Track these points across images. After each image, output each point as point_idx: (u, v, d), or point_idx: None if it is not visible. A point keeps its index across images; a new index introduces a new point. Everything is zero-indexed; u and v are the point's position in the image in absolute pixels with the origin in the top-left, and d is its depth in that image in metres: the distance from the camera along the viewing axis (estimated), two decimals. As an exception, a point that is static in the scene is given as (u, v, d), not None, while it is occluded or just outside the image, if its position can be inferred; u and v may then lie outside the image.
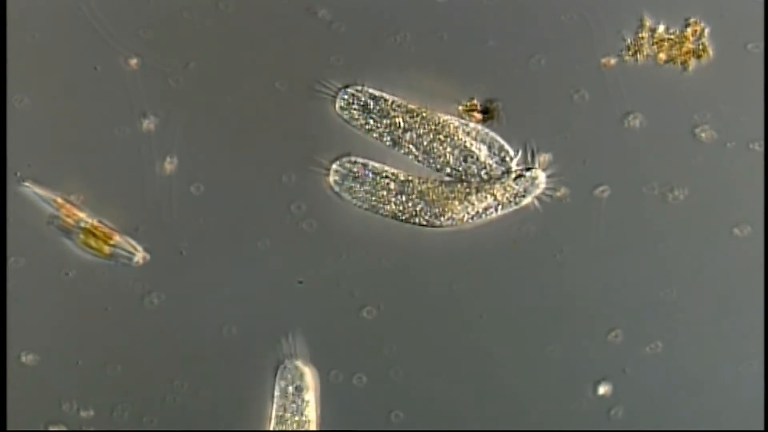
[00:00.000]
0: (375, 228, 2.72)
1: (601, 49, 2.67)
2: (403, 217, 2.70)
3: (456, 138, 2.68)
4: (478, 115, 2.68)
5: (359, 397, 2.80)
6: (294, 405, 2.73)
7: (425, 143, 2.69)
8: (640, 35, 2.66)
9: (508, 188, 2.69)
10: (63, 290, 2.74)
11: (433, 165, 2.70)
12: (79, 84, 2.70)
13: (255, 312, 2.76)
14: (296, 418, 2.73)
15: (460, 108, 2.68)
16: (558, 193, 2.69)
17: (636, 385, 2.79)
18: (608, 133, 2.70)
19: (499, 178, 2.69)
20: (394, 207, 2.70)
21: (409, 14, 2.68)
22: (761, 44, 2.66)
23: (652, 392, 2.79)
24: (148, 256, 2.72)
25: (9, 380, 2.74)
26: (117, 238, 2.70)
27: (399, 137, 2.69)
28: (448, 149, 2.69)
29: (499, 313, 2.78)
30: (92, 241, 2.69)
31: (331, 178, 2.70)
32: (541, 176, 2.68)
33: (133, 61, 2.68)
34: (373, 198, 2.71)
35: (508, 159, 2.69)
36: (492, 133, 2.68)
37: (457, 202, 2.70)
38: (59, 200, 2.70)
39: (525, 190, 2.69)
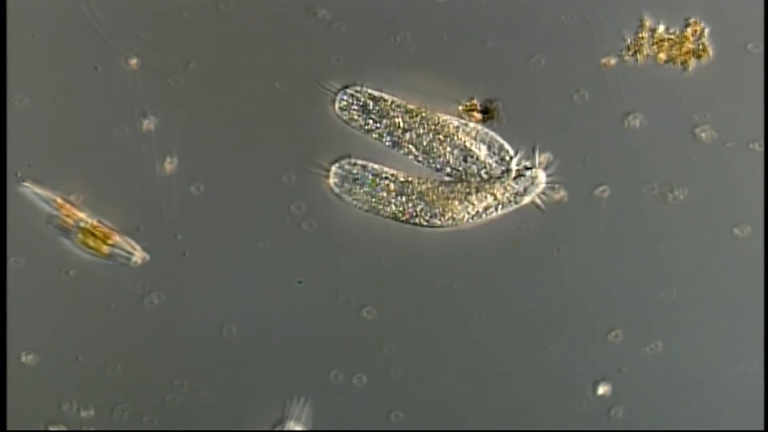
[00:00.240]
0: (375, 228, 2.72)
1: (601, 49, 2.67)
2: (403, 218, 2.70)
3: (456, 138, 2.68)
4: (478, 115, 2.68)
5: (359, 397, 2.80)
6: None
7: (425, 143, 2.69)
8: (640, 35, 2.66)
9: (508, 188, 2.69)
10: (63, 290, 2.74)
11: (433, 165, 2.70)
12: (79, 84, 2.70)
13: (255, 312, 2.76)
14: None
15: (460, 108, 2.68)
16: (556, 196, 2.69)
17: (636, 385, 2.79)
18: (608, 133, 2.70)
19: (499, 178, 2.69)
20: (394, 208, 2.70)
21: (409, 14, 2.68)
22: (761, 44, 2.66)
23: (652, 392, 2.79)
24: (147, 257, 2.72)
25: (9, 380, 2.74)
26: (116, 238, 2.70)
27: (399, 137, 2.69)
28: (448, 149, 2.69)
29: (499, 313, 2.78)
30: (91, 241, 2.69)
31: (331, 180, 2.70)
32: (541, 175, 2.68)
33: (133, 61, 2.68)
34: (373, 199, 2.71)
35: (507, 158, 2.69)
36: (492, 133, 2.68)
37: (457, 202, 2.70)
38: (59, 200, 2.70)
39: (525, 190, 2.69)
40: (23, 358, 2.76)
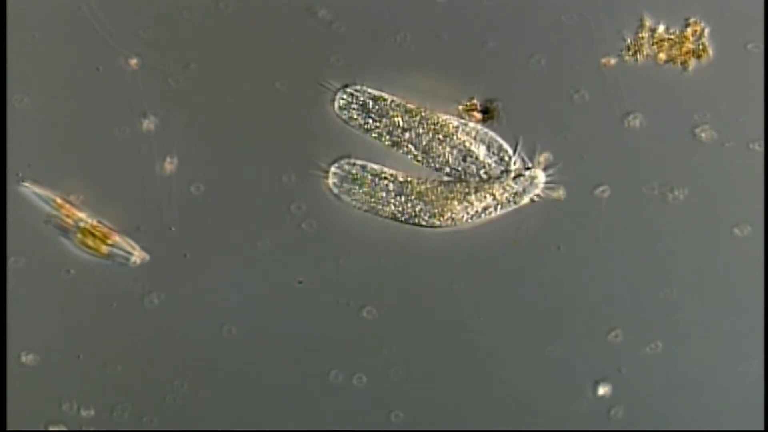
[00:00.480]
0: (375, 228, 2.72)
1: (601, 49, 2.67)
2: (403, 218, 2.70)
3: (455, 138, 2.68)
4: (478, 115, 2.68)
5: (359, 397, 2.80)
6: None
7: (424, 143, 2.69)
8: (640, 35, 2.66)
9: (507, 188, 2.69)
10: (63, 290, 2.74)
11: (432, 165, 2.70)
12: (79, 84, 2.70)
13: (255, 312, 2.76)
14: None
15: (460, 108, 2.68)
16: (554, 195, 2.69)
17: (636, 385, 2.79)
18: (608, 133, 2.70)
19: (498, 178, 2.69)
20: (393, 208, 2.70)
21: (409, 14, 2.68)
22: (761, 44, 2.65)
23: (652, 392, 2.79)
24: (147, 257, 2.72)
25: (9, 380, 2.74)
26: (116, 238, 2.70)
27: (398, 137, 2.69)
28: (447, 149, 2.69)
29: (499, 313, 2.78)
30: (90, 241, 2.69)
31: (330, 181, 2.70)
32: (541, 175, 2.68)
33: (133, 61, 2.68)
34: (372, 199, 2.71)
35: (507, 158, 2.69)
36: (491, 133, 2.68)
37: (456, 202, 2.70)
38: (59, 200, 2.70)
39: (524, 190, 2.69)
40: (23, 358, 2.76)
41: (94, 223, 2.70)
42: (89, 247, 2.70)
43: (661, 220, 2.73)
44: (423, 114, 2.69)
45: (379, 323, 2.77)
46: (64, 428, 2.79)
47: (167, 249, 2.73)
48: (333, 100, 2.69)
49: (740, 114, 2.70)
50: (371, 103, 2.68)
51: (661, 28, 2.66)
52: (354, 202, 2.71)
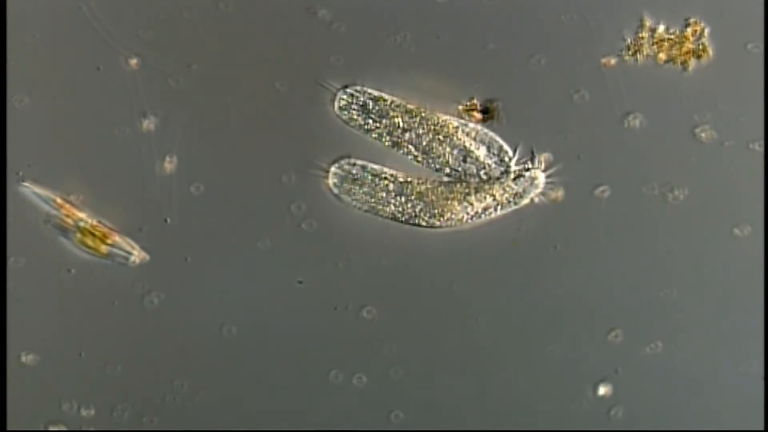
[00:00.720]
0: (375, 228, 2.72)
1: (601, 49, 2.67)
2: (403, 219, 2.70)
3: (455, 138, 2.68)
4: (478, 115, 2.68)
5: (359, 397, 2.80)
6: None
7: (424, 143, 2.69)
8: (640, 35, 2.66)
9: (508, 188, 2.69)
10: (63, 290, 2.74)
11: (433, 165, 2.70)
12: (79, 84, 2.70)
13: (255, 312, 2.76)
14: None
15: (460, 108, 2.68)
16: (553, 195, 2.69)
17: (636, 385, 2.79)
18: (608, 133, 2.70)
19: (498, 179, 2.69)
20: (393, 208, 2.70)
21: (409, 14, 2.68)
22: (761, 44, 2.65)
23: (652, 392, 2.79)
24: (147, 257, 2.72)
25: (9, 380, 2.74)
26: (116, 237, 2.70)
27: (398, 137, 2.69)
28: (448, 149, 2.69)
29: (498, 313, 2.78)
30: (89, 241, 2.69)
31: (330, 181, 2.70)
32: (541, 176, 2.68)
33: (133, 61, 2.68)
34: (373, 199, 2.71)
35: (507, 159, 2.69)
36: (491, 134, 2.68)
37: (456, 203, 2.70)
38: (59, 200, 2.70)
39: (524, 191, 2.69)
40: (23, 358, 2.76)
41: (94, 222, 2.70)
42: (89, 247, 2.70)
43: (661, 220, 2.73)
44: (423, 114, 2.69)
45: (379, 323, 2.77)
46: (64, 428, 2.79)
47: (167, 249, 2.73)
48: (333, 101, 2.69)
49: (740, 114, 2.70)
50: (371, 103, 2.68)
51: (661, 28, 2.66)
52: (354, 202, 2.71)
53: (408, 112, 2.69)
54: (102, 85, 2.69)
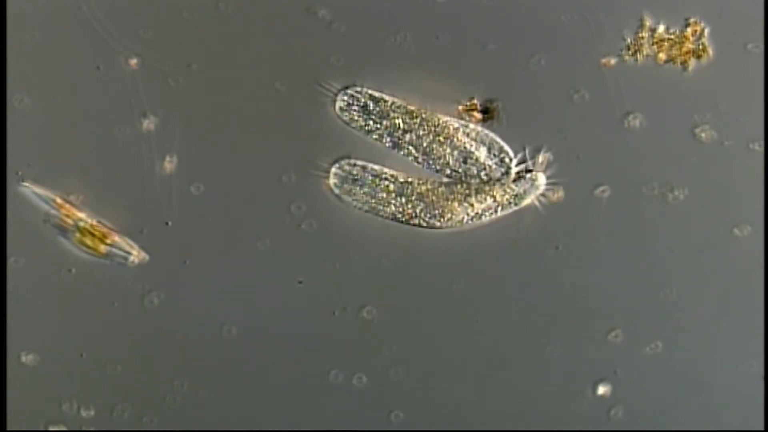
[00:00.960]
0: (375, 228, 2.72)
1: (601, 49, 2.67)
2: (403, 219, 2.70)
3: (456, 139, 2.68)
4: (478, 115, 2.68)
5: (359, 397, 2.80)
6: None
7: (425, 144, 2.69)
8: (640, 35, 2.66)
9: (508, 189, 2.69)
10: (63, 290, 2.74)
11: (433, 166, 2.70)
12: (80, 84, 2.70)
13: (255, 312, 2.76)
14: None
15: (460, 108, 2.68)
16: (554, 196, 2.69)
17: (636, 385, 2.79)
18: (608, 133, 2.70)
19: (498, 180, 2.69)
20: (393, 209, 2.70)
21: (409, 14, 2.68)
22: (761, 44, 2.65)
23: (652, 392, 2.79)
24: (146, 257, 2.72)
25: (9, 380, 2.74)
26: (115, 237, 2.70)
27: (399, 138, 2.69)
28: (448, 150, 2.69)
29: (499, 313, 2.78)
30: (88, 240, 2.69)
31: (331, 181, 2.70)
32: (541, 177, 2.68)
33: (133, 61, 2.68)
34: (373, 200, 2.71)
35: (507, 160, 2.69)
36: (492, 134, 2.68)
37: (456, 204, 2.70)
38: (59, 200, 2.70)
39: (525, 192, 2.69)
40: (23, 358, 2.76)
41: (93, 222, 2.70)
42: (88, 247, 2.70)
43: (661, 220, 2.73)
44: (423, 116, 2.69)
45: (379, 323, 2.77)
46: (64, 428, 2.79)
47: (167, 249, 2.73)
48: (334, 102, 2.69)
49: (740, 114, 2.70)
50: (372, 104, 2.68)
51: (661, 28, 2.66)
52: (355, 203, 2.71)
53: (408, 113, 2.69)
54: (102, 85, 2.69)
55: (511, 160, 2.68)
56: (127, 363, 2.78)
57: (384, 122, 2.69)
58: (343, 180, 2.71)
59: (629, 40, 2.66)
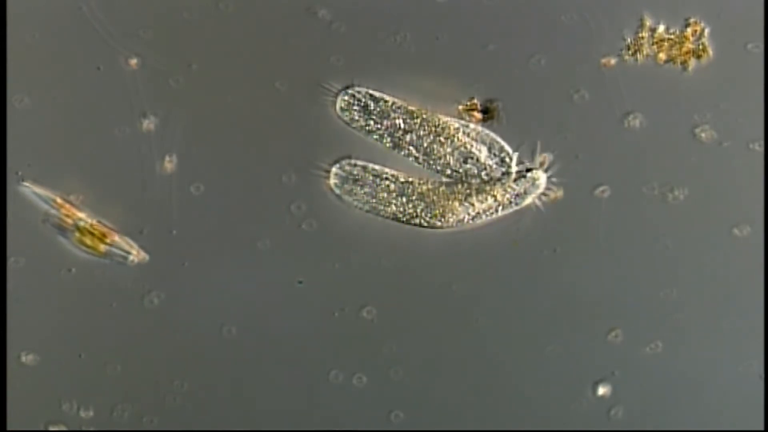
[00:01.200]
0: (376, 228, 2.72)
1: (601, 49, 2.67)
2: (404, 219, 2.70)
3: (456, 139, 2.68)
4: (478, 115, 2.68)
5: (359, 397, 2.80)
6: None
7: (425, 144, 2.69)
8: (640, 35, 2.66)
9: (509, 189, 2.69)
10: (63, 290, 2.74)
11: (434, 166, 2.70)
12: (80, 84, 2.70)
13: (255, 312, 2.76)
14: None
15: (460, 107, 2.68)
16: (553, 195, 2.69)
17: (636, 385, 2.79)
18: (608, 133, 2.70)
19: (499, 179, 2.69)
20: (394, 209, 2.70)
21: (409, 14, 2.68)
22: (761, 44, 2.66)
23: (652, 392, 2.79)
24: (146, 257, 2.72)
25: (9, 380, 2.74)
26: (115, 237, 2.70)
27: (399, 139, 2.69)
28: (448, 150, 2.69)
29: (499, 313, 2.78)
30: (88, 240, 2.68)
31: (332, 181, 2.70)
32: (542, 177, 2.68)
33: (133, 61, 2.68)
34: (374, 200, 2.71)
35: (508, 160, 2.69)
36: (492, 134, 2.68)
37: (457, 204, 2.70)
38: (59, 200, 2.70)
39: (525, 191, 2.69)
40: (23, 358, 2.76)
41: (93, 222, 2.70)
42: (87, 246, 2.70)
43: (661, 220, 2.73)
44: (424, 116, 2.69)
45: (379, 323, 2.77)
46: (64, 428, 2.78)
47: (167, 249, 2.73)
48: (334, 102, 2.69)
49: (740, 114, 2.70)
50: (372, 104, 2.68)
51: (661, 28, 2.66)
52: (355, 203, 2.71)
53: (409, 113, 2.69)
54: (102, 85, 2.69)
55: (511, 159, 2.68)
56: (127, 363, 2.78)
57: (384, 122, 2.69)
58: (344, 180, 2.71)
59: (629, 40, 2.66)
